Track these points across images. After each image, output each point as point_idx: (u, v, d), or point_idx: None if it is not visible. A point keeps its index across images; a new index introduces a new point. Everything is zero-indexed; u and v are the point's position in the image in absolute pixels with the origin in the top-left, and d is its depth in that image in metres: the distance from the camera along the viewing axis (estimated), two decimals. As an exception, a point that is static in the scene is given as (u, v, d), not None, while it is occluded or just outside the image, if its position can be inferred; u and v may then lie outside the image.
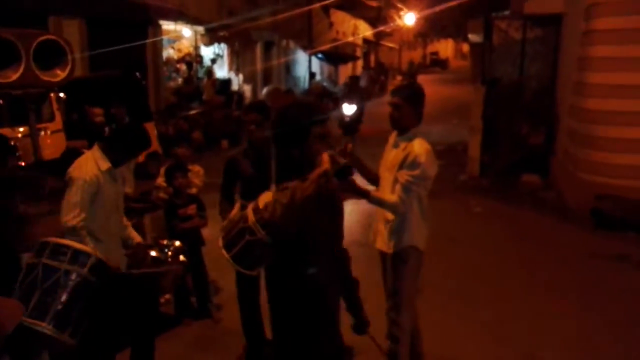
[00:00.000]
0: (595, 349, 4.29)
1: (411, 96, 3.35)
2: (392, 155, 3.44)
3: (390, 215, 3.38)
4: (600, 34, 7.30)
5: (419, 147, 3.24)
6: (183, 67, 16.34)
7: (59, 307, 2.81)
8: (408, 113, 3.33)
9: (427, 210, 3.41)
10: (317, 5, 20.75)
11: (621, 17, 7.11)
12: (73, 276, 2.98)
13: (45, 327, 2.72)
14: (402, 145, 3.34)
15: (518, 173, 9.25)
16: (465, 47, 36.62)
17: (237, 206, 3.65)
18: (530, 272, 5.77)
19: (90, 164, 3.40)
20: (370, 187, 3.38)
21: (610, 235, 6.69)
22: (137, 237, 3.76)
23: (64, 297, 2.84)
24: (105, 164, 3.42)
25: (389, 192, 3.30)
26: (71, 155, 4.04)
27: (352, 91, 13.71)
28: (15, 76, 4.56)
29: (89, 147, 6.11)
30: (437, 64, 48.43)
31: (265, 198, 3.40)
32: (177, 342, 4.42)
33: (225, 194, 3.91)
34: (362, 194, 3.15)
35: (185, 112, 13.30)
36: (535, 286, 5.43)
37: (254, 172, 3.76)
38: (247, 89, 17.99)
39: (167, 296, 4.83)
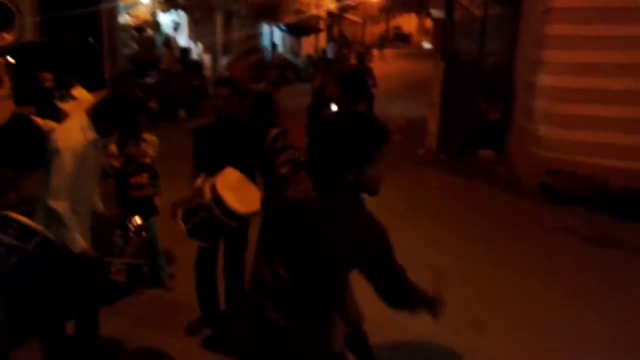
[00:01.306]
0: (540, 315, 4.46)
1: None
2: None
3: None
4: (559, 12, 7.40)
5: None
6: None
7: None
8: None
9: None
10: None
11: (579, -4, 7.23)
12: (17, 251, 2.88)
13: None
14: None
15: (475, 148, 9.39)
16: (429, 23, 36.67)
17: (201, 178, 3.61)
18: (480, 242, 5.92)
19: (78, 133, 3.18)
20: None
21: (559, 209, 6.90)
22: (99, 205, 3.63)
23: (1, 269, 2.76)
24: (92, 134, 3.21)
25: None
26: (16, 121, 3.84)
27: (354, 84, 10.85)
28: (-41, 39, 4.34)
29: (38, 112, 5.92)
30: (400, 38, 48.69)
31: (225, 175, 3.36)
32: (129, 312, 4.38)
33: (197, 166, 3.82)
34: None
35: (141, 80, 12.94)
36: (484, 256, 5.57)
37: (221, 147, 3.70)
38: (207, 59, 17.62)
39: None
